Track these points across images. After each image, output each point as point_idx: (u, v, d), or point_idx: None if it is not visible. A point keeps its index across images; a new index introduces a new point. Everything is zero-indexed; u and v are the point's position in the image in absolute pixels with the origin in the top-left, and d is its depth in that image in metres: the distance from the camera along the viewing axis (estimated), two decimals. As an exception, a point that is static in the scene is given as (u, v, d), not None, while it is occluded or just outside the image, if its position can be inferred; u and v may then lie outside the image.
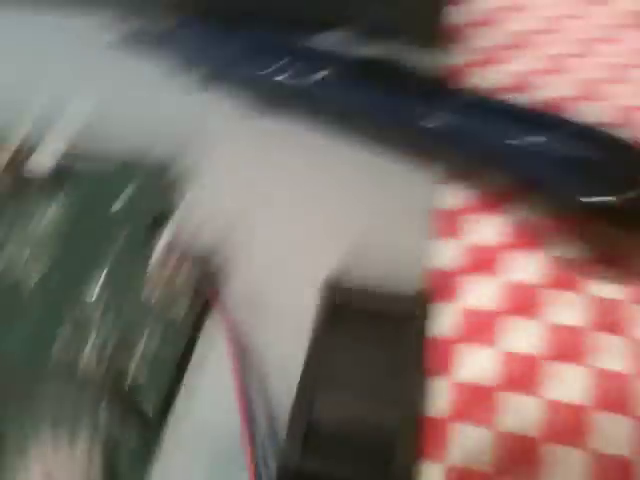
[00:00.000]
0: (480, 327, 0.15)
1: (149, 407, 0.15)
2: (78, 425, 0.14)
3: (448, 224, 0.17)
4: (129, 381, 0.15)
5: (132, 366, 0.15)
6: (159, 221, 0.17)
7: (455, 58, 0.21)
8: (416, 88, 0.18)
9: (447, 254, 0.17)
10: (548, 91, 0.19)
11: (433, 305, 0.15)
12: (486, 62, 0.21)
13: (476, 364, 0.15)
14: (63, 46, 0.22)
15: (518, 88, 0.20)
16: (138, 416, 0.15)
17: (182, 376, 0.15)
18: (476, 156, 0.17)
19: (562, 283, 0.16)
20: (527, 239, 0.17)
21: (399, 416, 0.12)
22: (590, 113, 0.18)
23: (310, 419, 0.12)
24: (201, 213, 0.18)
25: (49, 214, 0.18)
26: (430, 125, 0.17)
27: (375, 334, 0.13)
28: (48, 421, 0.14)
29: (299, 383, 0.13)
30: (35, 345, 0.16)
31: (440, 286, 0.16)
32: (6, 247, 0.17)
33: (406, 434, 0.12)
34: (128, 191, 0.18)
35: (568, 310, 0.15)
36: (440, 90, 0.18)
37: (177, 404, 0.15)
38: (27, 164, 0.19)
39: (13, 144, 0.19)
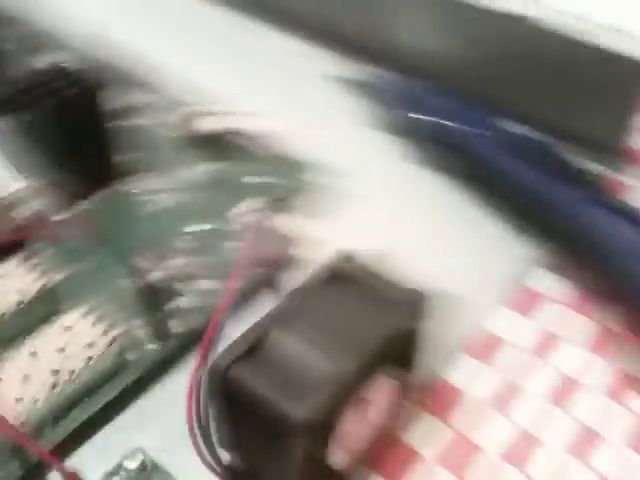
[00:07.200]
0: (506, 398, 0.16)
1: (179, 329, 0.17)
2: (118, 316, 0.17)
3: (526, 301, 0.18)
4: (175, 303, 0.17)
5: (185, 294, 0.17)
6: (274, 205, 0.20)
7: (624, 175, 0.22)
8: (575, 182, 0.19)
9: (507, 325, 0.18)
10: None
11: (458, 354, 0.17)
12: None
13: (484, 430, 0.16)
14: (278, 61, 0.26)
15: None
16: (165, 331, 0.16)
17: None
18: (593, 250, 0.18)
19: (611, 390, 0.16)
20: (599, 341, 0.17)
21: (328, 370, 0.12)
22: None
23: (255, 343, 0.13)
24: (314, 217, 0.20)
25: (197, 167, 0.21)
26: (563, 206, 0.19)
27: (356, 305, 0.14)
28: (100, 300, 0.17)
29: (264, 315, 0.14)
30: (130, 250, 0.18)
31: (482, 347, 0.17)
32: (152, 179, 0.20)
33: (325, 387, 0.12)
34: (266, 173, 0.21)
35: (605, 416, 0.16)
36: (595, 191, 0.20)
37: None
38: (196, 125, 0.22)
39: (190, 108, 0.22)
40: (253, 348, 0.13)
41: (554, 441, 0.15)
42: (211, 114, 0.22)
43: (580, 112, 0.22)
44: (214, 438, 0.13)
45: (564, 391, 0.16)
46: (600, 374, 0.17)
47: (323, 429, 0.13)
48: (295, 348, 0.13)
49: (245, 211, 0.19)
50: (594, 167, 0.21)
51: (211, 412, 0.13)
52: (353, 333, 0.13)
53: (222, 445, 0.14)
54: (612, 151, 0.22)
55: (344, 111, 0.24)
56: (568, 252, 0.19)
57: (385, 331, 0.13)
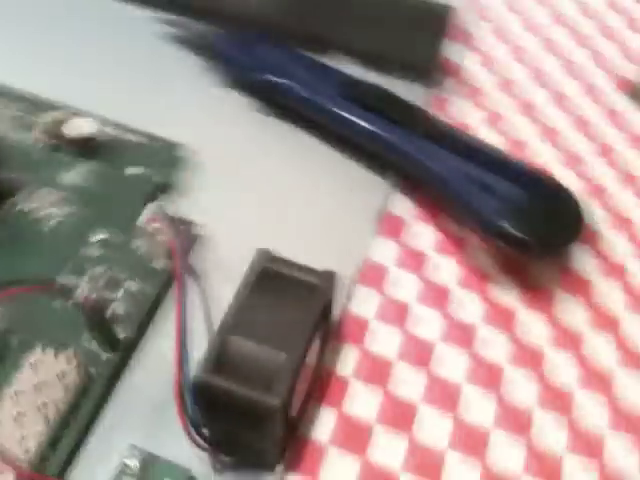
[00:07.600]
0: (396, 313, 0.21)
1: (123, 333, 0.19)
2: (66, 338, 0.19)
3: (391, 226, 0.22)
4: (111, 310, 0.19)
5: (116, 300, 0.19)
6: (160, 190, 0.22)
7: (443, 90, 0.26)
8: (398, 111, 0.23)
9: (384, 251, 0.22)
10: (514, 133, 0.25)
11: (353, 286, 0.21)
12: (469, 98, 0.26)
13: (385, 343, 0.20)
14: (117, 31, 0.26)
15: (490, 126, 0.25)
16: (113, 339, 0.19)
17: (153, 315, 0.20)
18: (426, 175, 0.22)
19: (468, 285, 0.21)
20: (451, 247, 0.22)
21: (283, 360, 0.16)
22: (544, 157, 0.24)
23: (221, 350, 0.16)
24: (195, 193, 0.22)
25: (77, 169, 0.22)
26: (397, 142, 0.22)
27: (287, 296, 0.17)
28: (45, 331, 0.19)
29: (220, 325, 0.17)
30: (47, 272, 0.20)
31: (369, 275, 0.21)
32: (38, 192, 0.21)
33: (284, 374, 0.16)
34: (142, 162, 0.22)
35: (468, 306, 0.21)
36: (418, 116, 0.23)
37: (145, 337, 0.19)
38: (66, 128, 0.22)
39: (57, 111, 0.23)
40: (221, 356, 0.16)
41: (434, 336, 0.20)
42: (75, 116, 0.22)
43: (399, 43, 0.25)
44: (199, 423, 0.17)
45: (435, 294, 0.21)
46: (454, 272, 0.22)
47: (288, 400, 0.16)
48: (253, 348, 0.16)
49: (146, 208, 0.21)
50: (418, 90, 0.25)
51: (198, 410, 0.16)
52: (292, 321, 0.17)
53: (210, 432, 0.17)
54: (432, 69, 0.26)
55: (188, 75, 0.25)
56: (412, 178, 0.23)
57: (315, 311, 0.17)
